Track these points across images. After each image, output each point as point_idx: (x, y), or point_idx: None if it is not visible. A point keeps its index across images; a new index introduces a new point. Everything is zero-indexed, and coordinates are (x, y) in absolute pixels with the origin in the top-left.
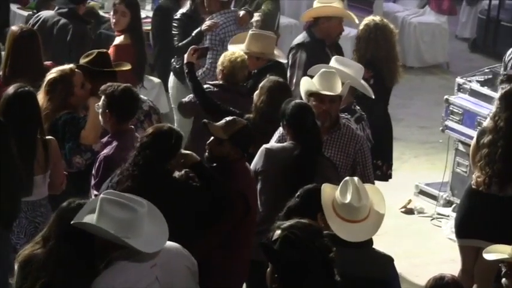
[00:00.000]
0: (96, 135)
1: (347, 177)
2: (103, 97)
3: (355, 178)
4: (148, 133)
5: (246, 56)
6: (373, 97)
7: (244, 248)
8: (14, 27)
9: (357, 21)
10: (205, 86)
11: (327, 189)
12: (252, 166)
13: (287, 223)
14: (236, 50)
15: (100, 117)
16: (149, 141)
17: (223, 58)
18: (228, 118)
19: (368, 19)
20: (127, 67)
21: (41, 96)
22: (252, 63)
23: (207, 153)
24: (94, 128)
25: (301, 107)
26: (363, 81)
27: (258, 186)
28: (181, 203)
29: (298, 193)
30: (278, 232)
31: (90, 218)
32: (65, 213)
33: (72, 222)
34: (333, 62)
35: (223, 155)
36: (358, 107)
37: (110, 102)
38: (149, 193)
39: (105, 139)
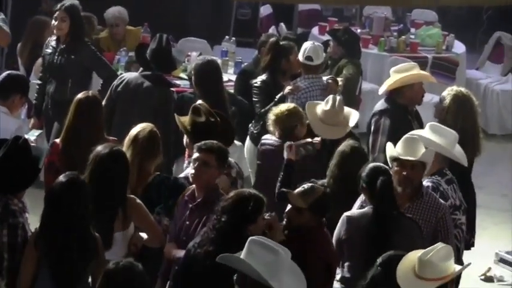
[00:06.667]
0: None
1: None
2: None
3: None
4: (228, 197)
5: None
6: (466, 165)
7: None
8: (79, 95)
9: (435, 80)
10: None
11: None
12: (335, 235)
13: None
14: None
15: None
16: (229, 206)
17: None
18: (305, 185)
19: (455, 90)
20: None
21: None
22: None
23: (284, 222)
24: None
25: (375, 169)
26: (459, 148)
27: (345, 254)
28: None
29: (378, 262)
30: None
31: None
32: (113, 275)
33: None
34: (427, 129)
35: (301, 224)
36: (449, 172)
37: None
38: None
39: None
